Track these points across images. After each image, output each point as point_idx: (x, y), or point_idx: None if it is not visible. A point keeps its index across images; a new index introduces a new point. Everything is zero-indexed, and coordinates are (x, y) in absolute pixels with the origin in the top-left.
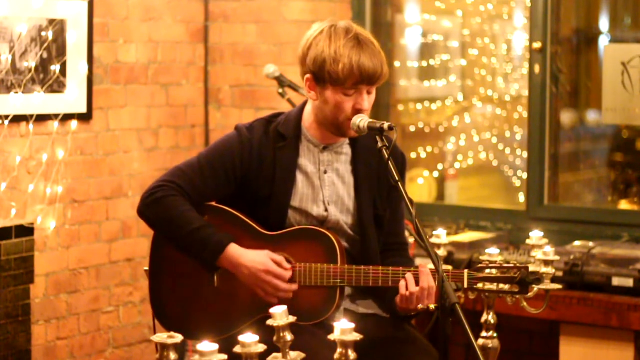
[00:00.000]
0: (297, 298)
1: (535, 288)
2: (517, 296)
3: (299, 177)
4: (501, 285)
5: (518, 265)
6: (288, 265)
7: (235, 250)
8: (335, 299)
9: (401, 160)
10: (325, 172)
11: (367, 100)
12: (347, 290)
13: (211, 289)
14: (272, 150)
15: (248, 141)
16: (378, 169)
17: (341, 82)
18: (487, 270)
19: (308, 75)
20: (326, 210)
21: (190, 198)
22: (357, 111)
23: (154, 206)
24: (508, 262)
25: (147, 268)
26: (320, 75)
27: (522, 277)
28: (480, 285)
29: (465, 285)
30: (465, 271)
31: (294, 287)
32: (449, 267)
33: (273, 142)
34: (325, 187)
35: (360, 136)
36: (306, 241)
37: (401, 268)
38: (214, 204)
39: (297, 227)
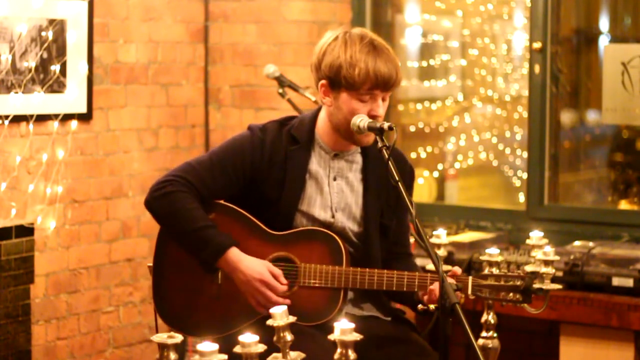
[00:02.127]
0: (300, 298)
1: (536, 286)
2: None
3: (309, 182)
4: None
5: (522, 274)
6: (285, 280)
7: (235, 254)
8: (339, 301)
9: (409, 173)
10: (335, 179)
11: (382, 107)
12: (350, 295)
13: (214, 287)
14: (283, 153)
15: (260, 142)
16: (387, 179)
17: (357, 87)
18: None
19: (323, 81)
20: (333, 216)
21: (199, 194)
22: (372, 117)
23: (162, 200)
24: (512, 271)
25: (150, 264)
26: (336, 80)
27: (526, 286)
28: (483, 293)
29: (469, 292)
30: (470, 278)
31: (286, 301)
32: (449, 267)
33: (285, 144)
34: (334, 193)
35: (371, 146)
36: (312, 242)
37: (406, 273)
38: (222, 202)
39: (303, 228)
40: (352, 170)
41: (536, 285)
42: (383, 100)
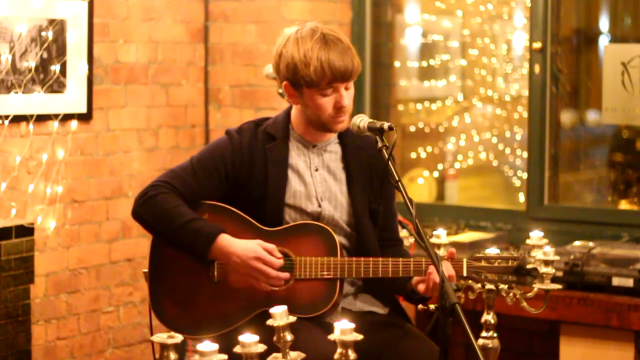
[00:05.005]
0: (296, 291)
1: (535, 288)
2: (518, 295)
3: (291, 175)
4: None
5: (515, 255)
6: (279, 254)
7: (226, 240)
8: (335, 292)
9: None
10: (317, 170)
11: (346, 97)
12: (347, 289)
13: (211, 285)
14: (262, 151)
15: (238, 143)
16: (369, 164)
17: (316, 84)
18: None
19: (285, 82)
20: (319, 206)
21: (183, 197)
22: (338, 109)
23: (146, 204)
24: (505, 254)
25: (146, 270)
26: (295, 80)
27: (520, 265)
28: (477, 274)
29: (465, 274)
30: (464, 259)
31: (285, 275)
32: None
33: (262, 143)
34: (317, 183)
35: (348, 133)
36: (306, 236)
37: (401, 259)
38: (214, 202)
39: (297, 223)
40: (333, 159)
41: (530, 266)
42: (346, 89)
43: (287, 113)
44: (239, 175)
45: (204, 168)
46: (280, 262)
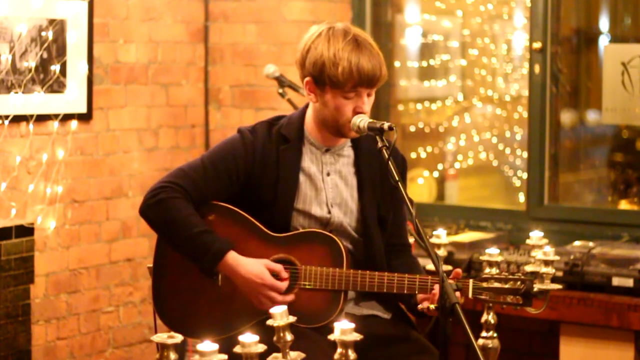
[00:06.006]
0: (299, 300)
1: (535, 288)
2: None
3: (302, 179)
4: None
5: (522, 277)
6: (285, 275)
7: (233, 259)
8: (339, 303)
9: (401, 162)
10: (328, 174)
11: (367, 103)
12: (350, 294)
13: (214, 288)
14: (275, 153)
15: (251, 143)
16: (380, 170)
17: (341, 85)
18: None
19: (307, 78)
20: (329, 212)
21: (192, 199)
22: (357, 114)
23: (156, 207)
24: (513, 274)
25: (150, 265)
26: (320, 78)
27: (527, 289)
28: (484, 295)
29: (470, 295)
30: (470, 281)
31: (289, 298)
32: (449, 267)
33: (276, 144)
34: (329, 189)
35: (362, 138)
36: (313, 244)
37: (407, 275)
38: (221, 203)
39: (304, 230)
40: (345, 164)
41: (536, 287)
42: (368, 96)
43: (302, 114)
44: (249, 176)
45: (214, 168)
46: (285, 284)
